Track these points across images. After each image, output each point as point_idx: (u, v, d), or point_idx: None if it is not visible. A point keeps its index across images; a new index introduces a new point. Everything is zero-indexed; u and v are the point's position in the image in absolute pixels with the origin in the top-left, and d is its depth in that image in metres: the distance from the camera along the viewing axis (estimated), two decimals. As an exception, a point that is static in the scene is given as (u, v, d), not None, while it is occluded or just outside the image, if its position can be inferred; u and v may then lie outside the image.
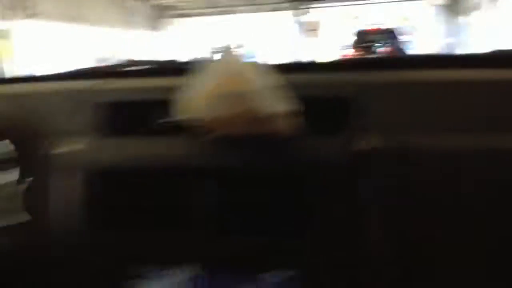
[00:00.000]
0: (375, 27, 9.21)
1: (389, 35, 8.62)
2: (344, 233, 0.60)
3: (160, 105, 0.69)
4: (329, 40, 10.52)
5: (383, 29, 8.78)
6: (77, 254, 0.67)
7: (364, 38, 8.59)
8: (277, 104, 0.61)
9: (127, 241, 0.66)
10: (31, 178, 0.69)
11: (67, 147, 0.71)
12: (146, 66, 0.98)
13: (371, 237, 0.59)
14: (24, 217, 0.76)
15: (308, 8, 10.47)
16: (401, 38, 8.79)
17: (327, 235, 0.61)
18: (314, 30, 10.81)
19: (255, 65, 0.64)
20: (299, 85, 0.68)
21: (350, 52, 8.42)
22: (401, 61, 0.89)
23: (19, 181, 0.75)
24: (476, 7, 8.20)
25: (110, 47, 7.54)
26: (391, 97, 0.68)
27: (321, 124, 0.66)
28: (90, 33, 7.50)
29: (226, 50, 0.63)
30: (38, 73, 0.85)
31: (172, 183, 0.65)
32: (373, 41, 8.43)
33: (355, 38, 8.82)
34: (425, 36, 10.24)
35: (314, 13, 10.71)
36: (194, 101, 0.62)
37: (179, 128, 0.67)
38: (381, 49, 8.15)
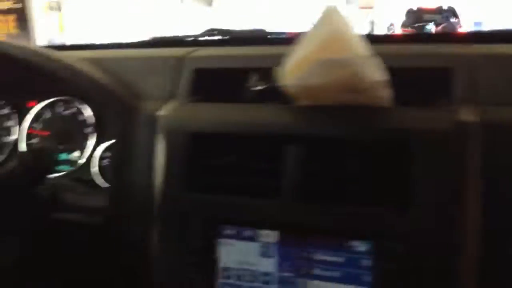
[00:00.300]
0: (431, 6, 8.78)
1: (447, 14, 8.22)
2: (442, 206, 0.59)
3: (255, 72, 0.70)
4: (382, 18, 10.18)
5: (442, 8, 8.36)
6: (166, 215, 0.69)
7: (419, 17, 8.22)
8: (377, 73, 0.60)
9: (215, 203, 0.67)
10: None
11: (159, 111, 0.73)
12: (227, 36, 0.99)
13: (471, 212, 0.58)
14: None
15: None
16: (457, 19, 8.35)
17: (421, 206, 0.60)
18: (370, 7, 10.49)
19: (354, 30, 0.63)
20: (393, 56, 0.67)
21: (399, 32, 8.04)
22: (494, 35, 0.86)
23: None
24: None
25: (161, 20, 7.60)
26: (487, 69, 0.66)
27: (416, 95, 0.65)
28: (140, 6, 7.55)
29: (328, 11, 0.61)
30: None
31: (263, 149, 0.66)
32: (429, 21, 8.05)
33: (407, 17, 8.44)
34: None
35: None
36: (292, 68, 0.62)
37: (275, 95, 0.68)
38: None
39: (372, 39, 0.66)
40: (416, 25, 7.89)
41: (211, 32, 1.00)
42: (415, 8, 8.55)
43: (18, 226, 0.72)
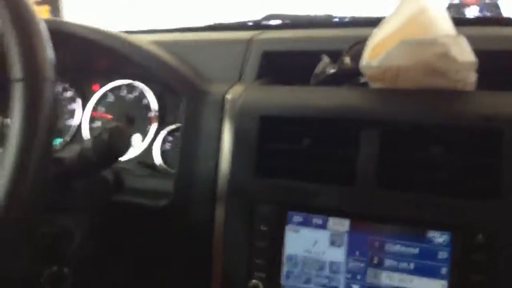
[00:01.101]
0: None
1: (491, 9, 7.93)
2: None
3: (325, 55, 0.68)
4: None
5: (484, 1, 8.06)
6: (232, 200, 0.68)
7: (460, 12, 7.96)
8: (466, 54, 0.57)
9: (284, 189, 0.66)
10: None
11: (227, 94, 0.72)
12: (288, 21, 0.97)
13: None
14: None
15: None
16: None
17: (509, 196, 0.57)
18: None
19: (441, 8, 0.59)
20: (476, 38, 0.63)
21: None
22: None
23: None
24: None
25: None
26: None
27: (497, 79, 0.62)
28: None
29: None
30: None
31: (338, 134, 0.64)
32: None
33: (448, 11, 8.18)
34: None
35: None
36: (374, 48, 0.60)
37: (346, 78, 0.66)
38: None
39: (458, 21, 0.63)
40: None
41: (271, 17, 0.99)
42: (456, 1, 8.31)
43: (85, 205, 0.73)
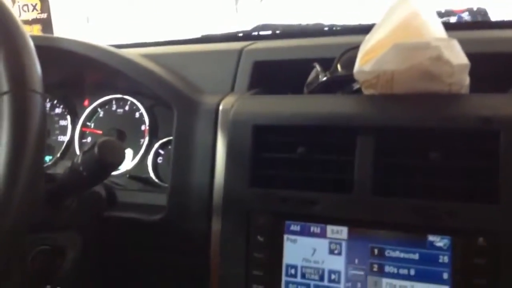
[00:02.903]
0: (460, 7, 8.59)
1: (480, 16, 8.07)
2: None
3: (317, 63, 0.68)
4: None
5: (472, 9, 8.21)
6: (228, 211, 0.67)
7: (448, 20, 8.10)
8: (459, 57, 0.57)
9: (280, 198, 0.65)
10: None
11: (219, 105, 0.72)
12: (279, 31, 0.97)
13: None
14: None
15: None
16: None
17: (509, 200, 0.56)
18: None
19: (432, 12, 0.60)
20: (467, 41, 0.63)
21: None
22: None
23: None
24: None
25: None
26: None
27: (489, 82, 0.62)
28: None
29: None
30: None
31: (333, 141, 0.64)
32: (458, 23, 7.93)
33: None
34: None
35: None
36: (366, 53, 0.60)
37: (338, 86, 0.66)
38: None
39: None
40: (445, 27, 7.80)
41: (261, 27, 0.99)
42: (443, 10, 8.43)
43: (78, 223, 0.71)
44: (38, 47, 0.54)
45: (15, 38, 0.52)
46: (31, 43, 0.54)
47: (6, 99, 0.49)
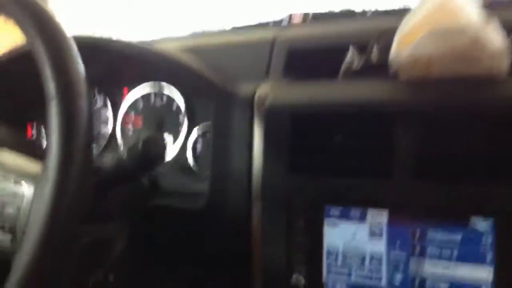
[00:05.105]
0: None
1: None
2: None
3: (352, 49, 0.67)
4: None
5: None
6: (268, 198, 0.69)
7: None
8: (498, 41, 0.56)
9: (320, 184, 0.66)
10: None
11: (255, 93, 0.72)
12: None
13: None
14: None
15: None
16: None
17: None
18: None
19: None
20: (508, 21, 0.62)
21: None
22: None
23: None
24: None
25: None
26: None
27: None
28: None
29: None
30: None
31: (371, 127, 0.64)
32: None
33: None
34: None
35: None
36: (402, 38, 0.60)
37: (374, 72, 0.66)
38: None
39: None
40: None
41: (292, 16, 0.98)
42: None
43: (124, 213, 0.74)
44: (80, 48, 0.56)
45: (59, 42, 0.54)
46: (74, 46, 0.55)
47: (54, 104, 0.51)
